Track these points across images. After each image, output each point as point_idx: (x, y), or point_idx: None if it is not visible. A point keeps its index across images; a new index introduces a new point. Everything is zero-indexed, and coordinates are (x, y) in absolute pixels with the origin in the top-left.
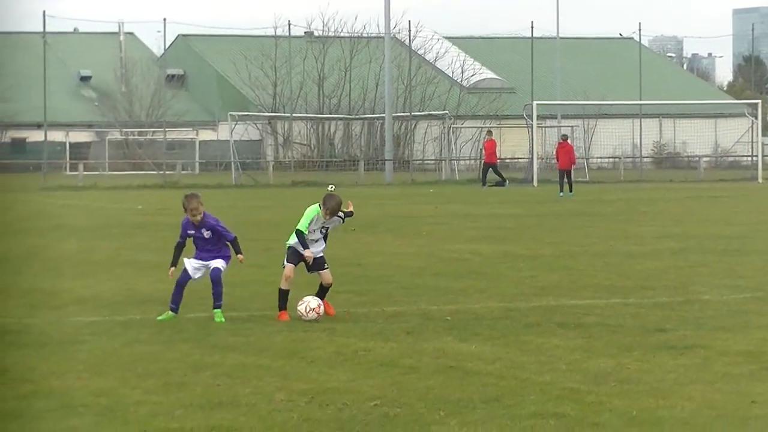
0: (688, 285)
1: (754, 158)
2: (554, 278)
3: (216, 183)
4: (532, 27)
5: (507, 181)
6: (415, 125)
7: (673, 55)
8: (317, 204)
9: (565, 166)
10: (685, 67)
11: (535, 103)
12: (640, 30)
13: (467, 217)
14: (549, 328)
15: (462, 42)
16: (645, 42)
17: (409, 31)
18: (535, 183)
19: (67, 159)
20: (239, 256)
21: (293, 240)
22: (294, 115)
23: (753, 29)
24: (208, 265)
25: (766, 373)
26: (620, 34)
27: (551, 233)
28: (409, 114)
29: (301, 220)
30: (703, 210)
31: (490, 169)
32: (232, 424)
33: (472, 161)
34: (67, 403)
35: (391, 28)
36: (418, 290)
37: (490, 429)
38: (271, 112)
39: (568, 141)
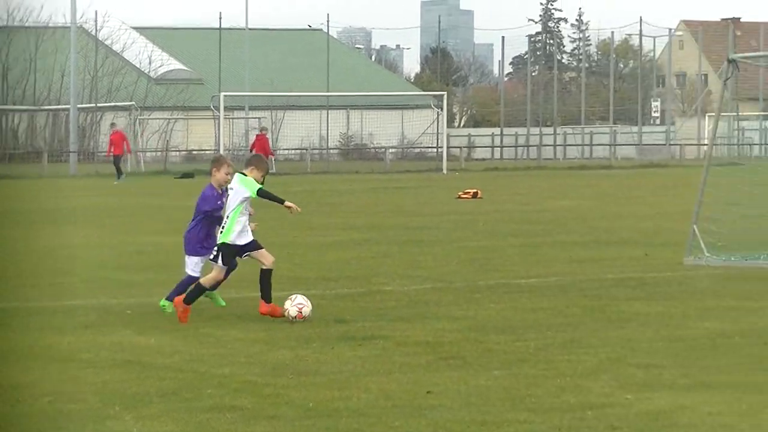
0: (370, 276)
1: (440, 149)
2: (236, 270)
3: None
4: (220, 17)
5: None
6: (101, 117)
7: (362, 46)
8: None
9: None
10: (373, 58)
11: (222, 94)
12: (328, 21)
13: (151, 208)
14: (230, 321)
15: (150, 32)
16: (334, 33)
17: (96, 21)
18: None
19: None
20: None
21: (230, 236)
22: None
23: (440, 21)
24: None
25: (443, 363)
26: (309, 26)
27: None
28: (94, 105)
29: (251, 184)
30: (388, 201)
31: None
32: None
33: (159, 153)
34: None
35: (78, 18)
36: (99, 283)
37: (165, 423)
38: None
39: (266, 134)
